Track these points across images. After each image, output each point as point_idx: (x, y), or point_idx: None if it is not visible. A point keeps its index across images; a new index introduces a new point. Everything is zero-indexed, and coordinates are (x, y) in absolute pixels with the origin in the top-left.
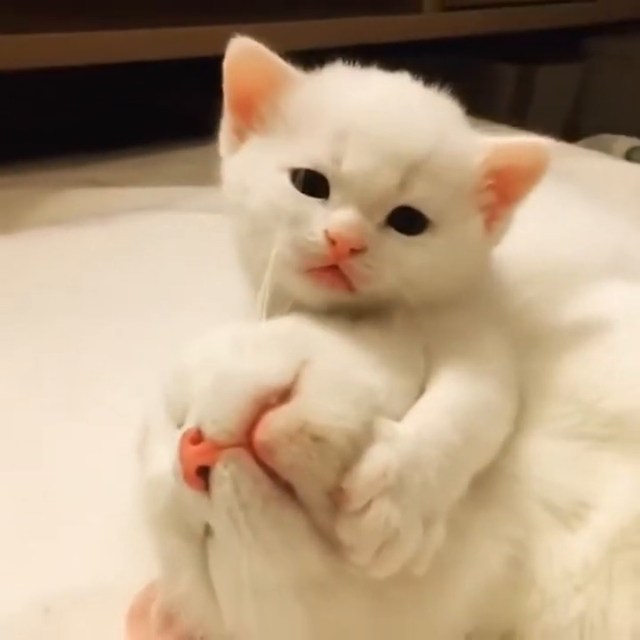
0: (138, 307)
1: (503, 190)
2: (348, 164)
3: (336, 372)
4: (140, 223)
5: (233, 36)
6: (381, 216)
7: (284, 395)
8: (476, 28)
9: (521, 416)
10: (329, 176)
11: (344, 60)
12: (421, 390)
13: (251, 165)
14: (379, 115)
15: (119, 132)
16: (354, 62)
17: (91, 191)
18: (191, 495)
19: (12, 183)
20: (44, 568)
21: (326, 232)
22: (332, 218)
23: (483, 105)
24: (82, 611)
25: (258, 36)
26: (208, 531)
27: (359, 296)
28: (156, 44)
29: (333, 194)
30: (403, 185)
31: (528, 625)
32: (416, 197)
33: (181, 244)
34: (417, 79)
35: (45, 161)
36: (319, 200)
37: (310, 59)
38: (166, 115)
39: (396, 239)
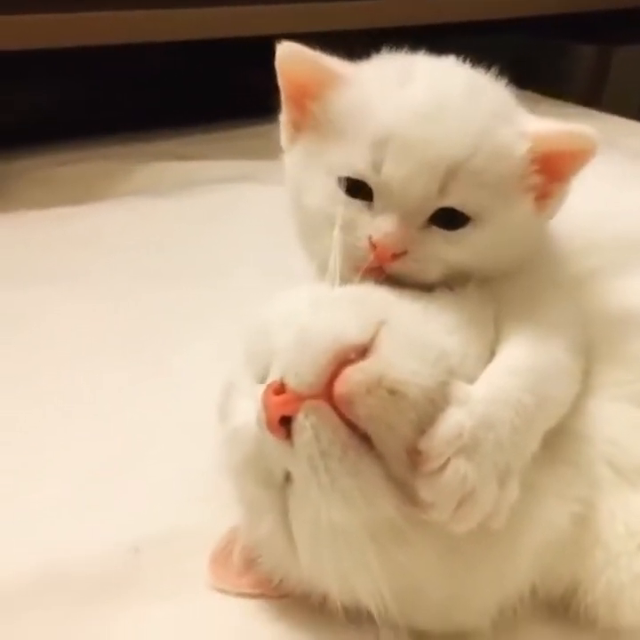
0: (217, 273)
1: (551, 171)
2: (387, 172)
3: (412, 333)
4: (220, 194)
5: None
6: (422, 218)
7: (363, 352)
8: (553, 7)
9: (587, 379)
10: (371, 183)
11: (416, 38)
12: (492, 353)
13: (303, 166)
14: (416, 121)
15: (200, 108)
16: (404, 46)
17: (174, 164)
18: (274, 443)
19: (102, 156)
20: (134, 510)
21: (370, 238)
22: (374, 225)
23: (558, 85)
24: (168, 552)
25: (333, 14)
26: (288, 478)
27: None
28: (231, 21)
29: (376, 199)
30: (442, 189)
31: (591, 580)
32: (457, 199)
33: (260, 214)
34: (465, 62)
35: (133, 136)
36: (365, 203)
37: (386, 35)
38: (245, 91)
39: (438, 236)
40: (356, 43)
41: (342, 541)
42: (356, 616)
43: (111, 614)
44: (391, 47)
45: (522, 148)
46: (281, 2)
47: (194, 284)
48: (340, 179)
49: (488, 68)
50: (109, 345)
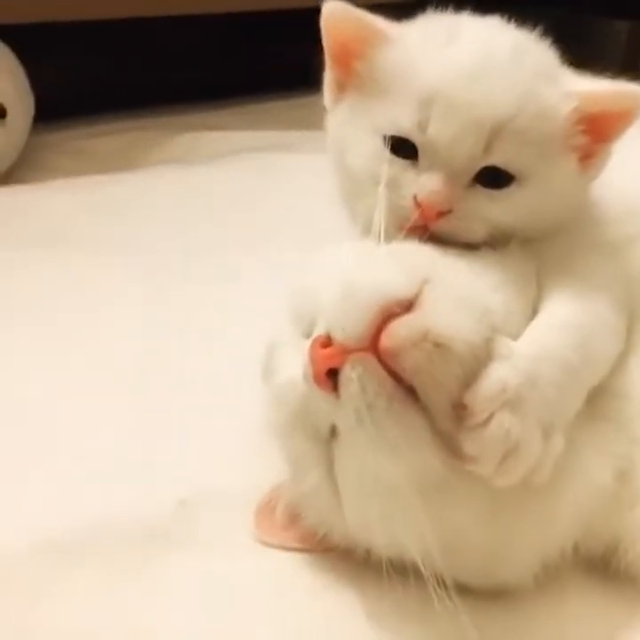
0: (252, 240)
1: (596, 131)
2: (433, 132)
3: (456, 289)
4: (254, 163)
5: None
6: (467, 177)
7: (408, 306)
8: None
9: (629, 339)
10: (416, 142)
11: (446, 4)
12: (535, 311)
13: (348, 125)
14: (462, 80)
15: (234, 81)
16: (447, 7)
17: (207, 134)
18: (320, 396)
19: (138, 126)
20: (180, 464)
21: (414, 197)
22: (419, 183)
23: (593, 61)
24: (213, 506)
25: None
26: (334, 432)
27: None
28: None
29: (421, 158)
30: (487, 148)
31: (632, 538)
32: (501, 158)
33: (294, 182)
34: (509, 23)
35: (166, 107)
36: (409, 162)
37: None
38: (279, 63)
39: (483, 195)
40: (395, 10)
41: (388, 493)
42: (401, 570)
43: (156, 564)
44: (434, 9)
45: (567, 108)
46: None
47: (229, 251)
48: (385, 137)
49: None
50: (151, 310)
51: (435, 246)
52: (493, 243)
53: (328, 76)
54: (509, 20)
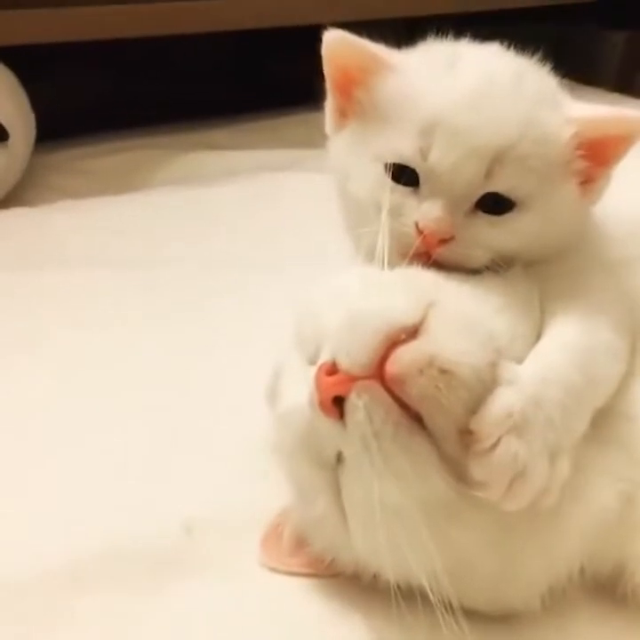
0: (258, 261)
1: (596, 156)
2: (434, 159)
3: (461, 314)
4: (260, 183)
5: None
6: (469, 204)
7: (413, 332)
8: None
9: (633, 360)
10: (418, 169)
11: (443, 29)
12: (538, 334)
13: (349, 152)
14: (463, 108)
15: (239, 99)
16: (447, 34)
17: (213, 153)
18: (326, 423)
19: (141, 146)
20: (187, 489)
21: (416, 224)
22: (421, 211)
23: (591, 71)
24: (220, 531)
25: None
26: (340, 458)
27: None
28: (272, 11)
29: (423, 185)
30: (489, 175)
31: (638, 561)
32: (502, 185)
33: (301, 202)
34: (508, 49)
35: (172, 126)
36: (411, 189)
37: (425, 25)
38: (284, 81)
39: (484, 222)
40: (397, 32)
41: (395, 519)
42: (409, 594)
43: (163, 591)
44: (433, 35)
45: (567, 133)
46: None
47: (235, 271)
48: (386, 165)
49: (529, 55)
50: (153, 331)
51: (438, 272)
52: (496, 267)
53: (329, 104)
54: (501, 39)
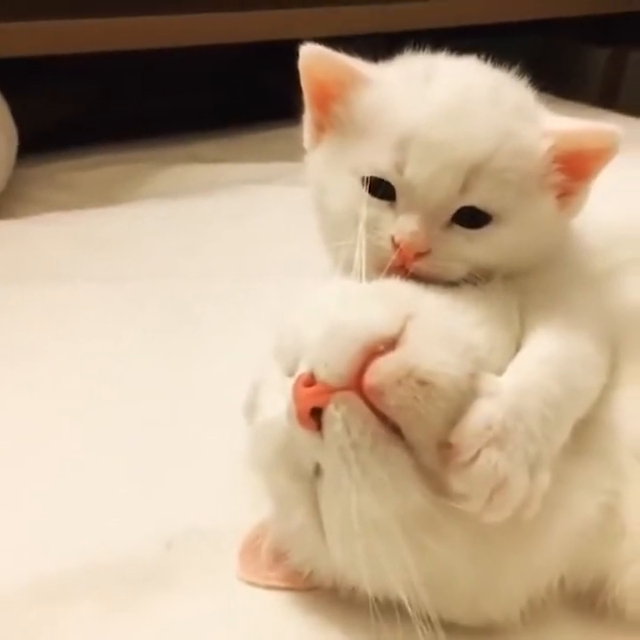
0: (239, 274)
1: (573, 170)
2: (410, 173)
3: (439, 325)
4: (242, 196)
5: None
6: (445, 217)
7: (391, 344)
8: (570, 10)
9: (613, 371)
10: (394, 183)
11: (423, 42)
12: (518, 346)
13: (326, 166)
14: (438, 121)
15: (221, 112)
16: (425, 47)
17: (195, 166)
18: (304, 435)
19: (125, 159)
20: (165, 504)
21: (393, 238)
22: (397, 224)
23: (573, 87)
24: (201, 545)
25: (356, 18)
26: (318, 470)
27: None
28: (252, 26)
29: (399, 199)
30: (465, 188)
31: (619, 573)
32: (478, 198)
33: (281, 216)
34: (486, 62)
35: (154, 139)
36: (387, 203)
37: (406, 38)
38: (265, 94)
39: (460, 235)
40: (375, 46)
41: (373, 531)
42: (387, 608)
43: (144, 606)
44: (411, 49)
45: (544, 147)
46: (301, 6)
47: (220, 284)
48: (363, 178)
49: (506, 69)
50: (136, 344)
51: (416, 283)
52: (474, 279)
53: (307, 118)
54: (485, 52)
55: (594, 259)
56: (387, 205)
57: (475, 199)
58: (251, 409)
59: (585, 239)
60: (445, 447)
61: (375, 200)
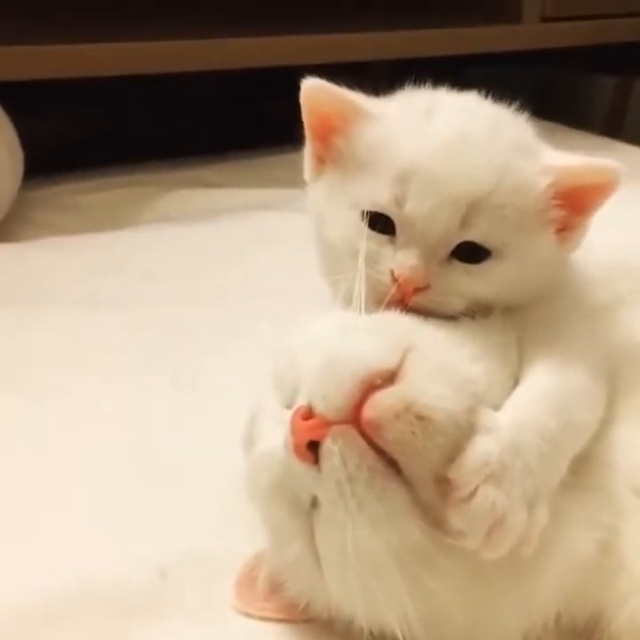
0: (242, 300)
1: (573, 205)
2: (409, 208)
3: (438, 359)
4: (244, 222)
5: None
6: (444, 252)
7: (390, 378)
8: (575, 39)
9: (612, 405)
10: (393, 217)
11: (440, 68)
12: (516, 380)
13: (327, 199)
14: (438, 156)
15: (226, 137)
16: (426, 79)
17: (200, 191)
18: (301, 468)
19: (129, 182)
20: (161, 532)
21: (392, 272)
22: (396, 259)
23: (579, 116)
24: (194, 576)
25: (360, 45)
26: (314, 503)
27: None
28: (257, 52)
29: (398, 233)
30: (464, 224)
31: (616, 608)
32: (478, 234)
33: (285, 242)
34: (486, 97)
35: (158, 164)
36: (387, 237)
37: (410, 66)
38: (270, 120)
39: (459, 270)
40: (381, 73)
41: (369, 565)
42: None
43: (136, 635)
44: (415, 79)
45: (543, 183)
46: (306, 33)
47: (219, 310)
48: (363, 212)
49: (510, 98)
50: (137, 369)
51: (415, 317)
52: (472, 313)
53: (308, 150)
54: (491, 81)
55: (594, 290)
56: (386, 240)
57: (474, 234)
58: (248, 440)
59: (585, 270)
60: (443, 483)
61: (374, 234)
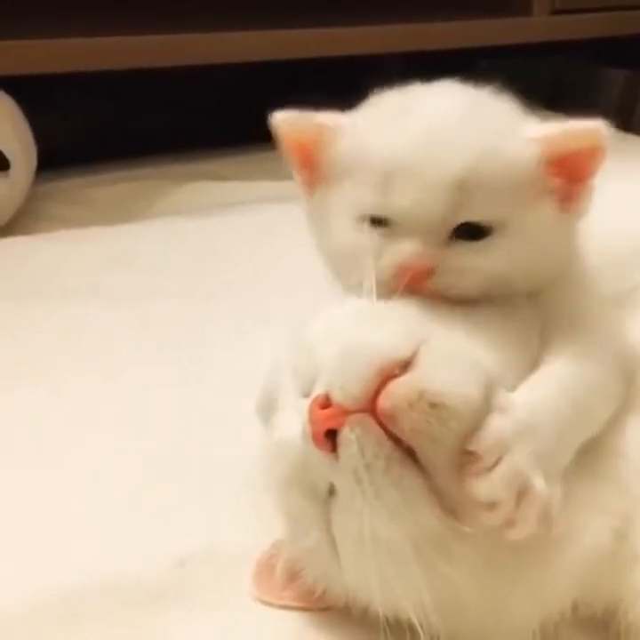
0: (254, 293)
1: (568, 172)
2: (397, 203)
3: (451, 348)
4: (254, 215)
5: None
6: (443, 236)
7: (405, 366)
8: (586, 31)
9: (631, 395)
10: (386, 214)
11: (453, 60)
12: (536, 365)
13: (323, 215)
14: (416, 145)
15: (237, 130)
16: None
17: (210, 184)
18: (319, 456)
19: (139, 176)
20: (179, 522)
21: (398, 264)
22: (399, 250)
23: (590, 108)
24: (213, 564)
25: (368, 38)
26: (332, 491)
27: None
28: (269, 45)
29: (394, 228)
30: (456, 206)
31: (631, 599)
32: (472, 214)
33: (296, 235)
34: (461, 83)
35: (169, 156)
36: (385, 235)
37: (422, 59)
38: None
39: (464, 249)
40: (394, 67)
41: (386, 553)
42: (398, 629)
43: (157, 627)
44: (426, 73)
45: (530, 154)
46: (314, 26)
47: (229, 304)
48: (357, 217)
49: (521, 90)
50: (148, 361)
51: (432, 304)
52: (493, 297)
53: (296, 178)
54: (502, 73)
55: (612, 280)
56: (385, 237)
57: (469, 214)
58: (266, 427)
59: (603, 260)
60: (464, 455)
61: (373, 233)
